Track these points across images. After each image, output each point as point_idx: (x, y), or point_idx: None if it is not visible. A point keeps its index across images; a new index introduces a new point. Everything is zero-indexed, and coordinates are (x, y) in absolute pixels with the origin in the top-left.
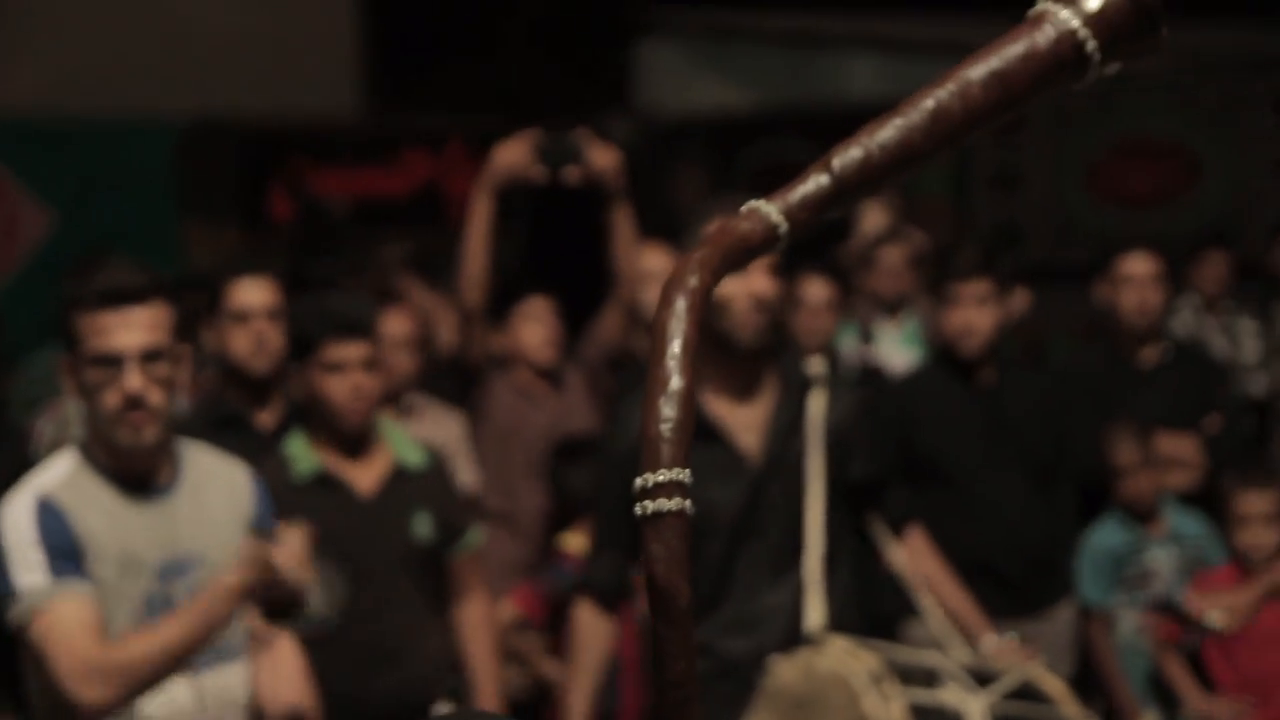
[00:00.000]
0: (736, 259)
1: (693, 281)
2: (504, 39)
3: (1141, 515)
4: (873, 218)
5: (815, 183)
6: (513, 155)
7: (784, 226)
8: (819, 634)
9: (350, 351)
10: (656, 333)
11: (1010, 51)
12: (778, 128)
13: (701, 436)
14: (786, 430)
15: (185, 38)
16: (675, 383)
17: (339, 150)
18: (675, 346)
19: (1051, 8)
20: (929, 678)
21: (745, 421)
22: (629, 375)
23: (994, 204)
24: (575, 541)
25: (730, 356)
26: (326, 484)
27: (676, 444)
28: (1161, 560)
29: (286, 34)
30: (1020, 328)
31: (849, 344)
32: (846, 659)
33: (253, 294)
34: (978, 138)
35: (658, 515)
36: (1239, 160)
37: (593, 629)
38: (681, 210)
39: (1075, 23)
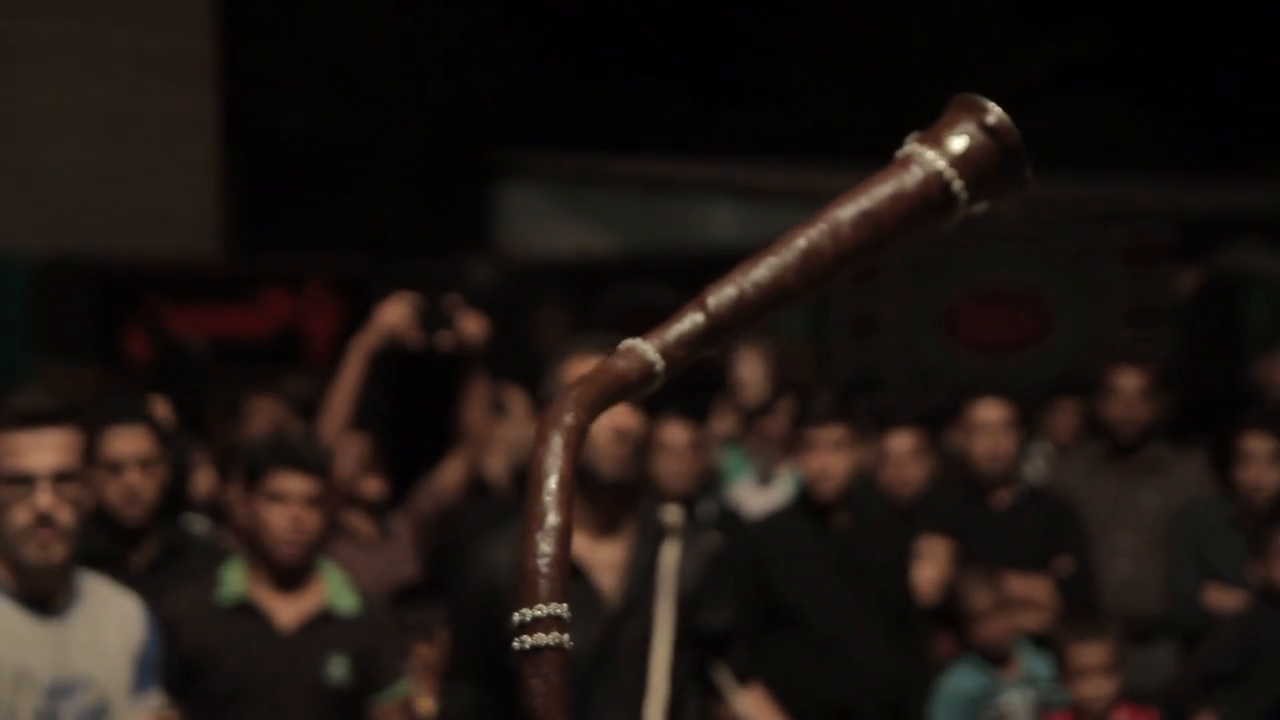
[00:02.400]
0: (613, 396)
1: (568, 419)
2: (365, 180)
3: (995, 658)
4: (749, 367)
5: (691, 321)
6: (395, 317)
7: (660, 364)
8: None
9: (293, 484)
10: (533, 470)
11: (879, 192)
12: (638, 272)
13: None
14: (643, 573)
15: (42, 175)
16: (552, 519)
17: (198, 289)
18: (551, 483)
19: (918, 149)
20: None
21: (605, 561)
22: (478, 514)
23: (853, 350)
24: (425, 702)
25: (593, 491)
26: (248, 612)
27: (554, 579)
28: (1016, 703)
29: (146, 173)
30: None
31: (745, 485)
32: None
33: (127, 444)
34: (837, 284)
35: (536, 650)
36: (1090, 309)
37: None
38: (542, 352)
39: (941, 163)
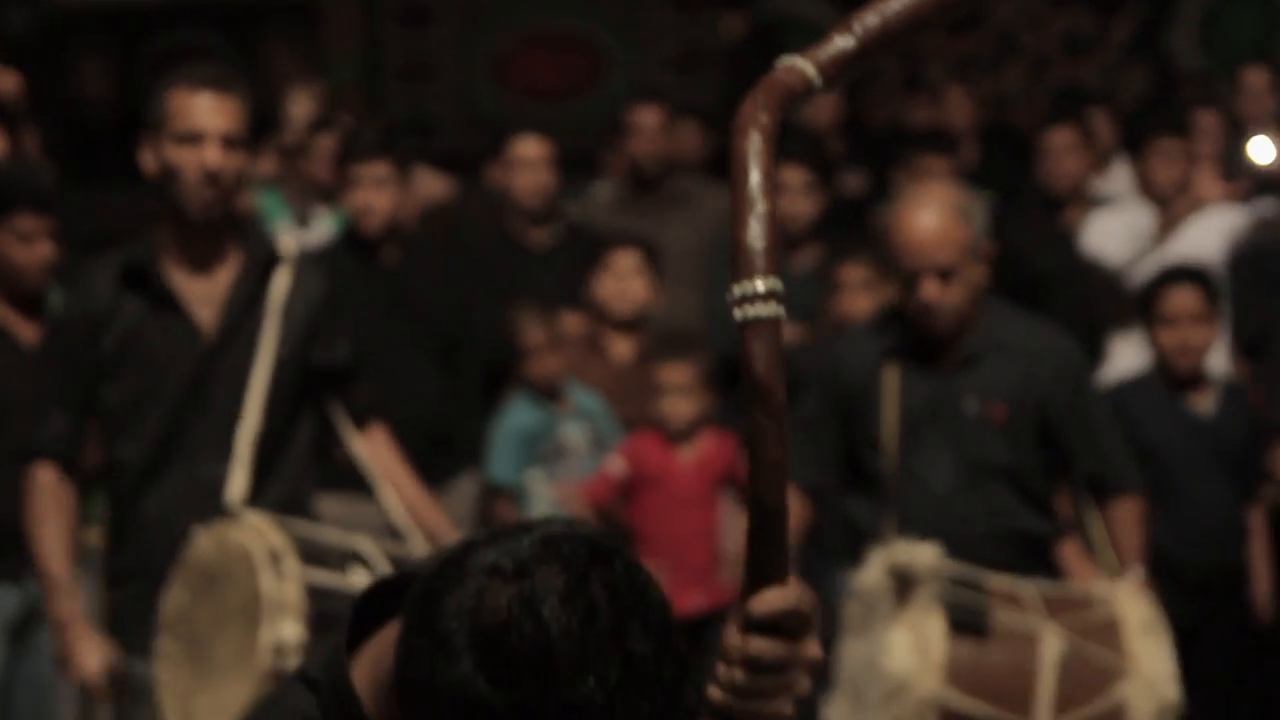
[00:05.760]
0: (784, 103)
1: (763, 118)
2: None
3: (548, 393)
4: (301, 104)
5: (841, 42)
6: None
7: (818, 79)
8: (236, 508)
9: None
10: (737, 163)
11: None
12: (181, 17)
13: (156, 305)
14: (245, 305)
15: None
16: (761, 205)
17: None
18: (756, 174)
19: None
20: (345, 561)
21: (203, 294)
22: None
23: (404, 95)
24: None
25: (183, 229)
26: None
27: (769, 255)
28: (575, 435)
29: None
30: (437, 212)
31: (283, 229)
32: (254, 535)
33: None
34: (387, 29)
35: (758, 320)
36: (639, 54)
37: (58, 493)
38: (86, 102)
39: None
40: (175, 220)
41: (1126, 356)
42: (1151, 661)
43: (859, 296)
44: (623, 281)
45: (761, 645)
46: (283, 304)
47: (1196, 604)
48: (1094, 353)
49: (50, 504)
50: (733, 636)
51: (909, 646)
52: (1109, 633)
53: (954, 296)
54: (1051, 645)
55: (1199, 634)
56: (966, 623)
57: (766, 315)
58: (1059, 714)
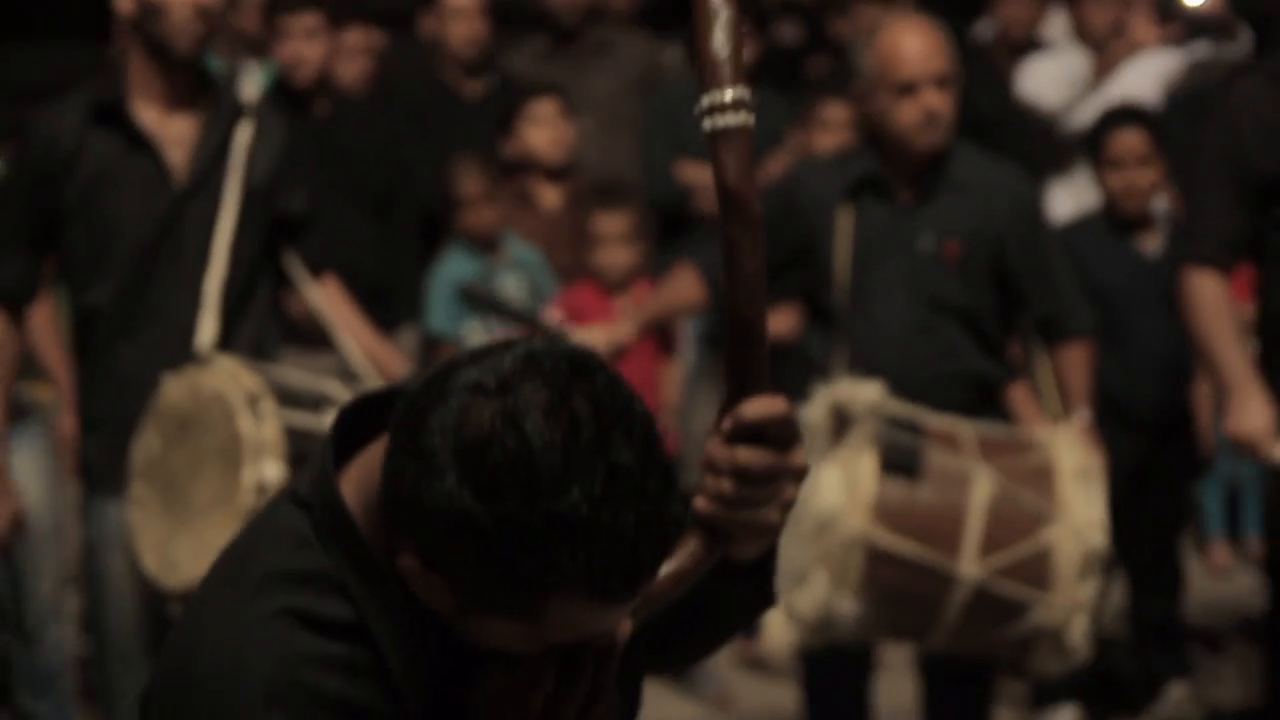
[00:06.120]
0: None
1: None
2: None
3: (485, 244)
4: None
5: None
6: None
7: None
8: (208, 353)
9: None
10: None
11: None
12: None
13: (127, 145)
14: (215, 151)
15: None
16: (724, 14)
17: None
18: None
19: None
20: (319, 403)
21: (174, 136)
22: None
23: None
24: None
25: (166, 65)
26: None
27: (735, 64)
28: (512, 286)
29: None
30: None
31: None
32: (228, 379)
33: None
34: None
35: (727, 130)
36: None
37: (3, 339)
38: None
39: None
40: (153, 60)
41: (1064, 201)
42: (1081, 508)
43: (842, 134)
44: (550, 128)
45: (749, 455)
46: (247, 152)
47: (1145, 443)
48: None
49: None
50: (719, 448)
51: (838, 484)
52: (1042, 478)
53: (950, 108)
54: (982, 487)
55: (1149, 472)
56: (899, 463)
57: (736, 125)
58: (985, 556)
